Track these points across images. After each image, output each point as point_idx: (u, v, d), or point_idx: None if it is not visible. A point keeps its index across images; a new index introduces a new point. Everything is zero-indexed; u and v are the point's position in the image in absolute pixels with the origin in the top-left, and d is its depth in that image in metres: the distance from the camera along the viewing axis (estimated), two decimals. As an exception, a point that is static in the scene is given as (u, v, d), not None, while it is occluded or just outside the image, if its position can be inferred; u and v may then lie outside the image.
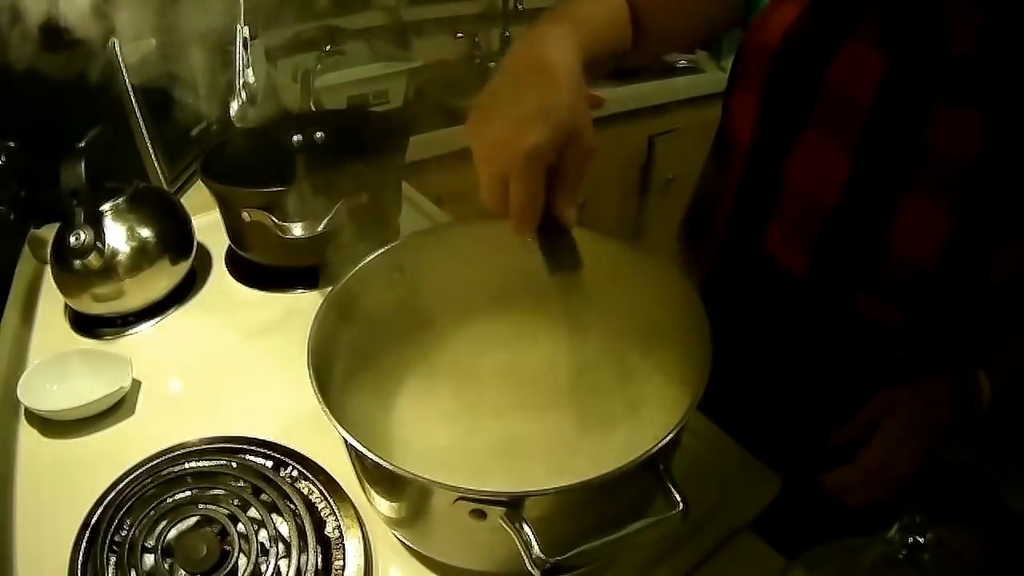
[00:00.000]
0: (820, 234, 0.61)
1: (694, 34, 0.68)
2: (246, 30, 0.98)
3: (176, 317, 0.82)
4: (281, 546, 0.52)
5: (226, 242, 0.90)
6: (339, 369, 0.55)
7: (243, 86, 1.00)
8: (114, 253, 0.76)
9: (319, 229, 0.75)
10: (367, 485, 0.50)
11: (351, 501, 0.56)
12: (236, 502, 0.54)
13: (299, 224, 0.75)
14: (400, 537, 0.53)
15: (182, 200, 0.94)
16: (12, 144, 0.83)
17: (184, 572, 0.49)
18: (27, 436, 0.65)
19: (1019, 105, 0.50)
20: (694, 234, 0.78)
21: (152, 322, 0.81)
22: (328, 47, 1.45)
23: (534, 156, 0.42)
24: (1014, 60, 0.49)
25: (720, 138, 0.72)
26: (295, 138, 0.93)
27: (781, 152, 0.62)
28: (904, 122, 0.54)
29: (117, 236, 0.77)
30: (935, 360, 0.62)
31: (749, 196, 0.68)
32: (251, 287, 0.87)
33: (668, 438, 0.41)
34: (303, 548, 0.51)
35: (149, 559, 0.50)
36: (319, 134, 0.94)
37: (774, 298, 0.66)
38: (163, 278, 0.81)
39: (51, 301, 0.83)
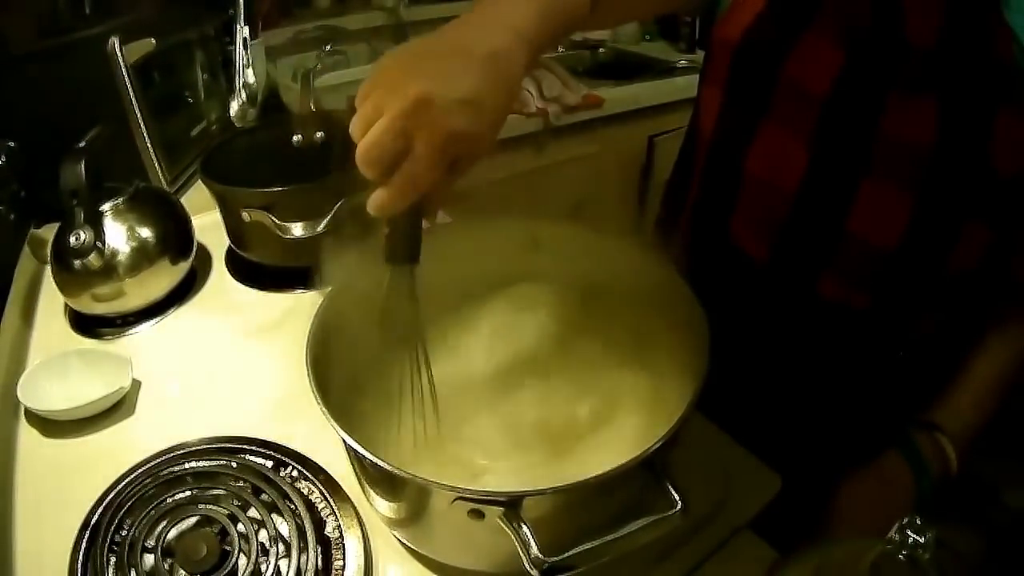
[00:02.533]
0: (781, 221, 0.61)
1: (657, 5, 0.65)
2: (246, 30, 0.98)
3: (176, 317, 0.82)
4: (281, 546, 0.52)
5: (226, 242, 0.90)
6: (338, 369, 0.55)
7: (243, 86, 1.00)
8: (114, 253, 0.76)
9: (319, 229, 0.75)
10: (366, 485, 0.50)
11: (351, 501, 0.56)
12: (236, 502, 0.54)
13: (299, 224, 0.75)
14: (400, 537, 0.53)
15: (182, 200, 0.94)
16: (12, 144, 0.83)
17: (184, 572, 0.49)
18: (27, 436, 0.65)
19: (972, 93, 0.50)
20: (666, 224, 0.79)
21: (152, 322, 0.81)
22: (328, 47, 1.45)
23: (456, 140, 0.38)
24: (970, 50, 0.49)
25: (690, 129, 0.72)
26: (295, 138, 0.93)
27: (742, 143, 0.63)
28: (860, 112, 0.55)
29: (117, 236, 0.77)
30: (930, 362, 0.62)
31: (712, 185, 0.68)
32: (251, 287, 0.87)
33: (665, 438, 0.41)
34: (303, 548, 0.51)
35: (149, 559, 0.50)
36: (319, 134, 0.94)
37: (739, 284, 0.66)
38: (163, 278, 0.81)
39: (51, 301, 0.83)
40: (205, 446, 0.61)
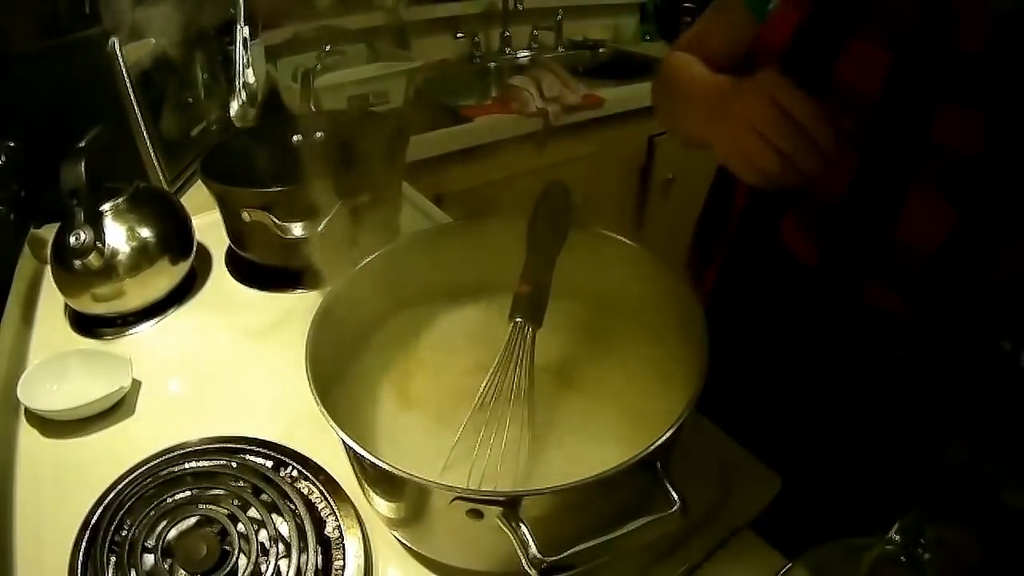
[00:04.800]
0: (829, 226, 0.62)
1: None
2: (246, 30, 0.98)
3: (176, 317, 0.82)
4: (281, 546, 0.52)
5: (226, 242, 0.90)
6: (338, 369, 0.55)
7: (243, 86, 1.00)
8: (114, 253, 0.76)
9: (319, 229, 0.75)
10: (366, 485, 0.50)
11: (351, 501, 0.56)
12: (236, 502, 0.54)
13: (299, 224, 0.75)
14: (400, 537, 0.54)
15: (182, 200, 0.94)
16: (12, 144, 0.83)
17: (184, 572, 0.49)
18: (27, 436, 0.65)
19: (1021, 103, 0.50)
20: (708, 229, 0.79)
21: (152, 322, 0.81)
22: (328, 47, 1.45)
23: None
24: (1020, 58, 0.49)
25: None
26: (295, 138, 0.93)
27: None
28: (908, 119, 0.54)
29: (117, 236, 0.77)
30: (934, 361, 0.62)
31: (764, 189, 0.68)
32: (251, 287, 0.87)
33: (665, 437, 0.41)
34: (303, 548, 0.51)
35: (149, 559, 0.50)
36: (319, 134, 0.94)
37: (787, 288, 0.67)
38: (163, 278, 0.81)
39: (51, 301, 0.83)
40: (205, 446, 0.61)
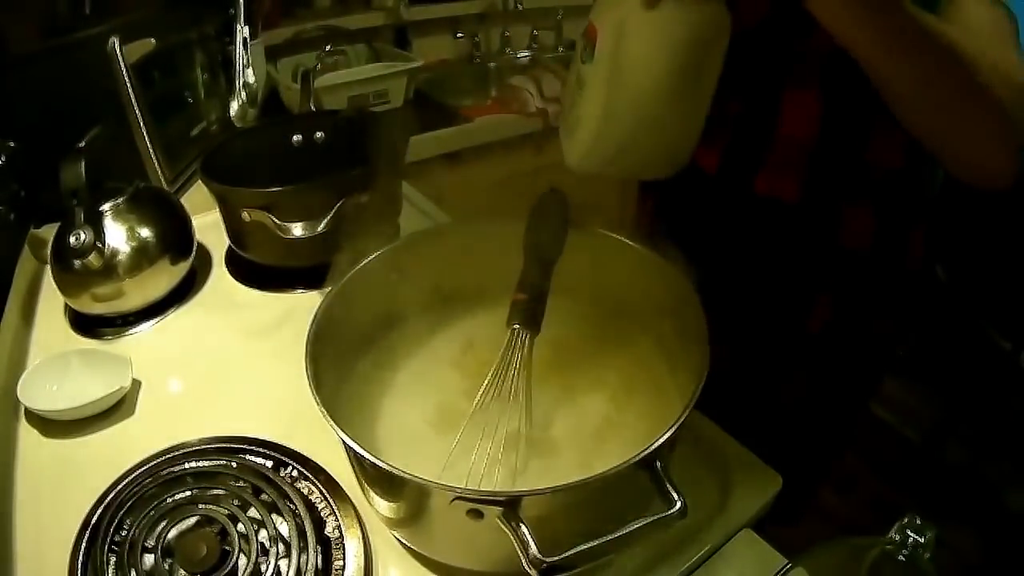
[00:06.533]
0: (728, 137, 0.71)
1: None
2: (246, 30, 0.98)
3: (176, 317, 0.82)
4: (281, 546, 0.52)
5: (226, 242, 0.90)
6: (338, 369, 0.55)
7: (243, 86, 1.00)
8: (114, 253, 0.76)
9: (319, 229, 0.75)
10: (366, 485, 0.50)
11: (351, 501, 0.56)
12: (236, 502, 0.54)
13: (299, 224, 0.75)
14: (400, 537, 0.54)
15: (182, 200, 0.94)
16: (12, 144, 0.83)
17: (184, 572, 0.49)
18: (27, 436, 0.65)
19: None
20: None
21: (152, 322, 0.81)
22: (328, 47, 1.45)
23: None
24: None
25: None
26: (295, 138, 0.93)
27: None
28: (786, 33, 0.59)
29: (117, 236, 0.77)
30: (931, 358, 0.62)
31: None
32: (251, 287, 0.87)
33: (664, 437, 0.41)
34: (303, 548, 0.51)
35: (149, 559, 0.50)
36: (319, 134, 0.94)
37: (695, 193, 0.76)
38: (163, 278, 0.81)
39: (51, 301, 0.83)
40: (205, 446, 0.61)
